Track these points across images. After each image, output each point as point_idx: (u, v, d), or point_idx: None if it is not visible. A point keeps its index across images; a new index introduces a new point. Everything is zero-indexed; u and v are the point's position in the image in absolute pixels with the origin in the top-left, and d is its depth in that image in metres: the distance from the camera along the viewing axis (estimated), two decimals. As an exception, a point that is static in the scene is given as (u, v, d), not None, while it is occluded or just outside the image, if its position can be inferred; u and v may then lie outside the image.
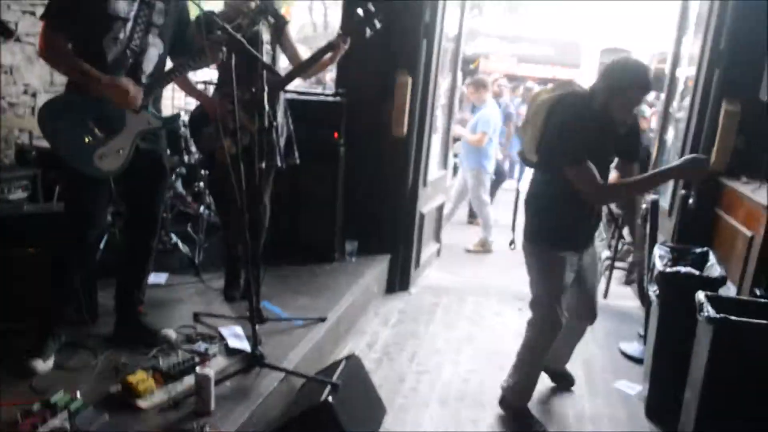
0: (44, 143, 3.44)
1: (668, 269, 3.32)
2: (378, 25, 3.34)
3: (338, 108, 4.40)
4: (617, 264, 5.56)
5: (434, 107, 4.89)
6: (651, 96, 7.68)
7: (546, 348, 3.20)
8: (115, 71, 2.70)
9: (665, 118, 5.48)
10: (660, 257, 3.53)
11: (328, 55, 3.41)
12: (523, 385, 3.25)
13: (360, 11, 3.33)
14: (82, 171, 2.68)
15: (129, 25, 2.71)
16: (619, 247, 5.71)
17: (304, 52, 3.65)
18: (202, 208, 4.48)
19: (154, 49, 2.83)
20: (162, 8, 2.81)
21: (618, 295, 5.34)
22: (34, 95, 4.84)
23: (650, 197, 4.42)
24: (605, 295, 5.40)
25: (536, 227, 3.09)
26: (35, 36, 4.73)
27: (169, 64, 2.95)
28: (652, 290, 3.43)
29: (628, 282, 5.74)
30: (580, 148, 2.83)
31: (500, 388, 3.31)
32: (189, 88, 3.37)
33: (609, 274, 5.51)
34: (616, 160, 3.18)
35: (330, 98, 4.49)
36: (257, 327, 3.04)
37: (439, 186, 5.51)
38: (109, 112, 2.71)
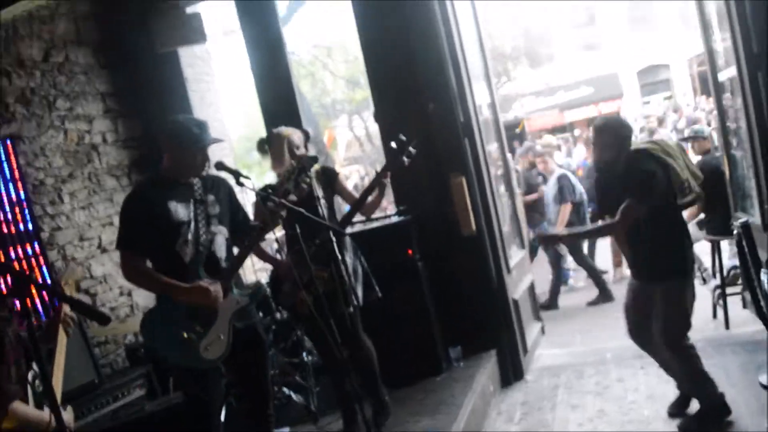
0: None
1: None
2: (413, 151, 3.53)
3: (405, 226, 4.54)
4: (729, 290, 5.32)
5: (495, 195, 4.98)
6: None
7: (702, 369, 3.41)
8: (195, 268, 2.95)
9: (724, 131, 5.31)
10: (769, 281, 3.39)
11: (376, 192, 3.62)
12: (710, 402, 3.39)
13: (393, 144, 3.55)
14: (193, 366, 2.87)
15: (192, 225, 3.00)
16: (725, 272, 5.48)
17: (358, 172, 3.87)
18: (305, 355, 4.61)
19: (220, 236, 3.09)
20: (213, 199, 3.11)
21: (739, 323, 5.08)
22: (129, 294, 5.22)
23: (740, 221, 4.28)
24: (726, 326, 5.16)
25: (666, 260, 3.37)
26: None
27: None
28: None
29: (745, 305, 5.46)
30: None
31: None
32: (261, 255, 3.64)
33: (723, 302, 5.27)
34: None
35: (395, 219, 4.65)
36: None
37: (523, 266, 5.50)
38: (201, 306, 2.92)
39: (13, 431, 1.98)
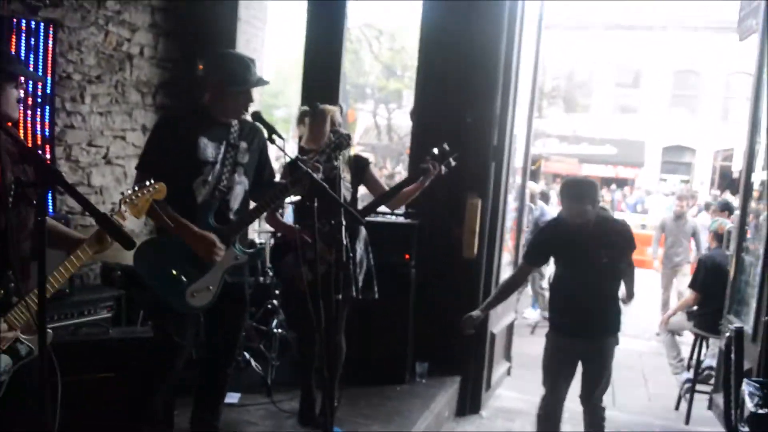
0: (129, 262, 3.59)
1: (760, 411, 3.16)
2: (453, 163, 3.46)
3: (410, 230, 4.48)
4: (698, 387, 5.31)
5: (504, 228, 4.92)
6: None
7: None
8: (205, 212, 2.86)
9: (742, 231, 5.27)
10: (750, 395, 3.36)
11: (409, 188, 3.54)
12: None
13: (435, 150, 3.47)
14: (175, 308, 2.79)
15: (217, 167, 2.90)
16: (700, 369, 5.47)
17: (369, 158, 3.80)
18: (274, 325, 4.55)
19: (240, 186, 3.00)
20: (245, 147, 3.01)
21: (699, 421, 5.07)
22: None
23: (734, 325, 4.26)
24: (687, 421, 5.14)
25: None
26: (125, 159, 5.08)
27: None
28: (744, 431, 3.25)
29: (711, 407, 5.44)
30: None
31: None
32: (271, 219, 3.53)
33: (690, 397, 5.26)
34: None
35: (401, 220, 4.58)
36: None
37: (509, 304, 5.44)
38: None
39: None
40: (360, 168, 3.74)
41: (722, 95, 21.22)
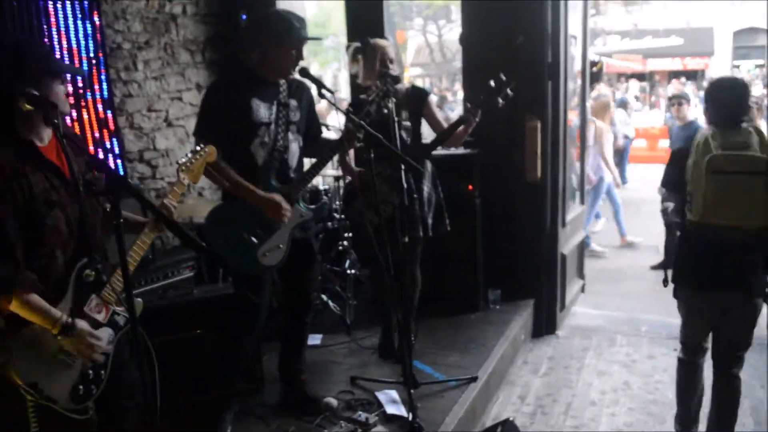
0: (200, 218, 3.75)
1: None
2: (510, 93, 3.38)
3: (470, 160, 4.45)
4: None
5: (566, 147, 4.82)
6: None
7: None
8: (266, 173, 2.92)
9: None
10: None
11: (462, 127, 3.51)
12: None
13: (492, 82, 3.40)
14: (249, 270, 2.91)
15: (272, 128, 2.93)
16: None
17: (421, 78, 3.76)
18: (347, 265, 4.67)
19: (295, 144, 3.04)
20: (296, 105, 3.03)
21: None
22: (187, 172, 5.29)
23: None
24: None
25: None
26: (184, 119, 5.20)
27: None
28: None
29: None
30: None
31: None
32: (342, 163, 3.66)
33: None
34: None
35: (461, 151, 4.55)
36: (412, 392, 3.15)
37: (578, 223, 5.40)
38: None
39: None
40: (419, 100, 3.72)
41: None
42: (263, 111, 2.91)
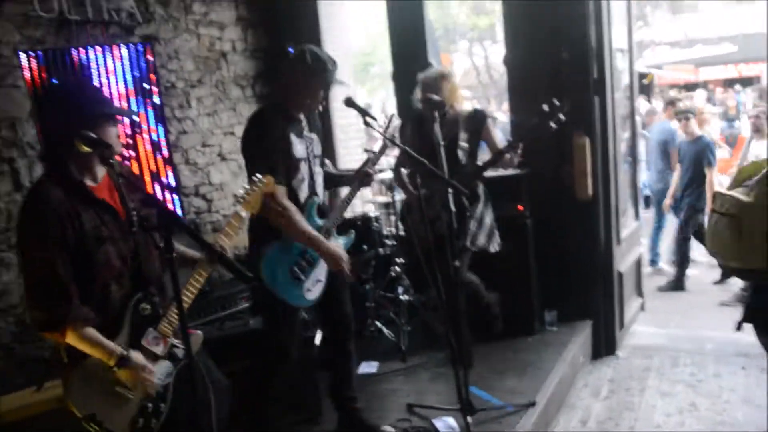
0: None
1: None
2: (563, 118, 3.37)
3: (519, 180, 4.42)
4: None
5: (618, 163, 4.74)
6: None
7: None
8: (309, 209, 2.99)
9: None
10: None
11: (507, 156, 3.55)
12: None
13: (545, 107, 3.39)
14: (297, 306, 2.97)
15: (308, 163, 3.00)
16: None
17: (469, 101, 3.83)
18: (400, 292, 4.67)
19: (320, 176, 3.11)
20: (316, 138, 3.09)
21: None
22: (242, 204, 5.42)
23: None
24: None
25: None
26: (237, 153, 5.31)
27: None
28: None
29: None
30: None
31: None
32: (398, 180, 3.88)
33: None
34: None
35: (510, 171, 4.51)
36: (469, 420, 3.12)
37: (634, 239, 5.28)
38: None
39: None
40: (478, 122, 3.79)
41: None
42: (299, 146, 2.95)
